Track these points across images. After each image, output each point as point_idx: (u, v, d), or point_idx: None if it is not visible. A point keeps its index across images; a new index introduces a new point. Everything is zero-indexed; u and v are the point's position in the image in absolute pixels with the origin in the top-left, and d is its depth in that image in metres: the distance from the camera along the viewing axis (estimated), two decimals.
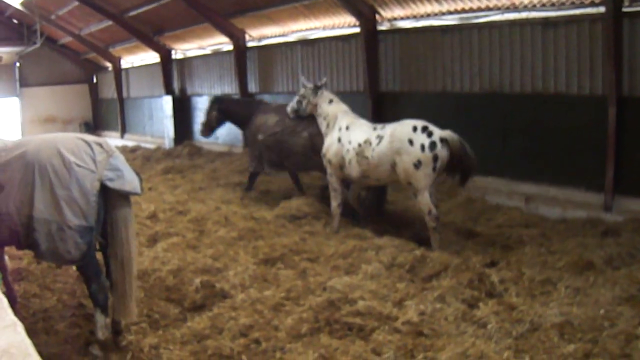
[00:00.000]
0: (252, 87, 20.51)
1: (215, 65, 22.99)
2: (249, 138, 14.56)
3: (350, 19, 15.98)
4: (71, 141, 6.46)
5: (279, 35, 19.23)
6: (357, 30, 15.51)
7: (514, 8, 12.07)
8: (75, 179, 6.20)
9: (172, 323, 7.17)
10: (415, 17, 14.34)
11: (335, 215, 11.03)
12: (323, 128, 11.41)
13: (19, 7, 27.52)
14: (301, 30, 18.16)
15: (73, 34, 29.28)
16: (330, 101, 11.37)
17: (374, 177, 10.46)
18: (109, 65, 31.36)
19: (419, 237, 10.06)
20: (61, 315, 7.49)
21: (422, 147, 9.56)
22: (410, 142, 9.65)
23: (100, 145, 6.48)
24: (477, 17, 12.87)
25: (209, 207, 12.85)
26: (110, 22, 24.83)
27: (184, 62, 25.31)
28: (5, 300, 3.09)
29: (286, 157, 13.18)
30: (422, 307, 7.03)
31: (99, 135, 31.95)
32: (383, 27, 15.14)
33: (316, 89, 11.56)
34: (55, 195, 6.16)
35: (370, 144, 10.25)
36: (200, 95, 24.00)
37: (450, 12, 13.44)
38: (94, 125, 33.99)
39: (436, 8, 13.62)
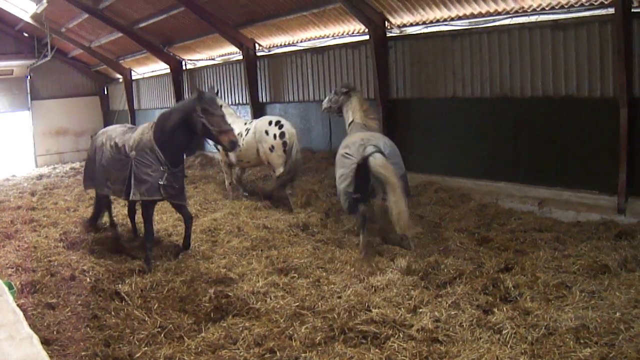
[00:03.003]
0: (263, 96, 20.55)
1: (225, 75, 23.03)
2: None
3: (359, 27, 15.98)
4: None
5: (289, 45, 19.22)
6: (367, 37, 15.49)
7: (523, 12, 12.03)
8: None
9: (187, 333, 7.18)
10: (424, 23, 14.32)
11: (229, 190, 15.32)
12: None
13: (29, 20, 27.60)
14: (311, 39, 18.16)
15: (83, 47, 29.40)
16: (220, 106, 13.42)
17: (245, 160, 14.28)
18: (119, 76, 31.48)
19: (434, 243, 10.08)
20: (75, 327, 7.49)
21: (275, 136, 13.39)
22: (267, 132, 13.49)
23: None
24: (486, 22, 12.83)
25: (221, 216, 12.88)
26: (120, 34, 24.89)
27: (195, 72, 25.33)
28: (21, 314, 3.10)
29: None
30: (437, 314, 7.05)
31: None
32: (392, 33, 15.13)
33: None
34: None
35: (241, 135, 13.74)
36: None
37: (459, 18, 13.40)
38: None
39: (445, 14, 13.60)
